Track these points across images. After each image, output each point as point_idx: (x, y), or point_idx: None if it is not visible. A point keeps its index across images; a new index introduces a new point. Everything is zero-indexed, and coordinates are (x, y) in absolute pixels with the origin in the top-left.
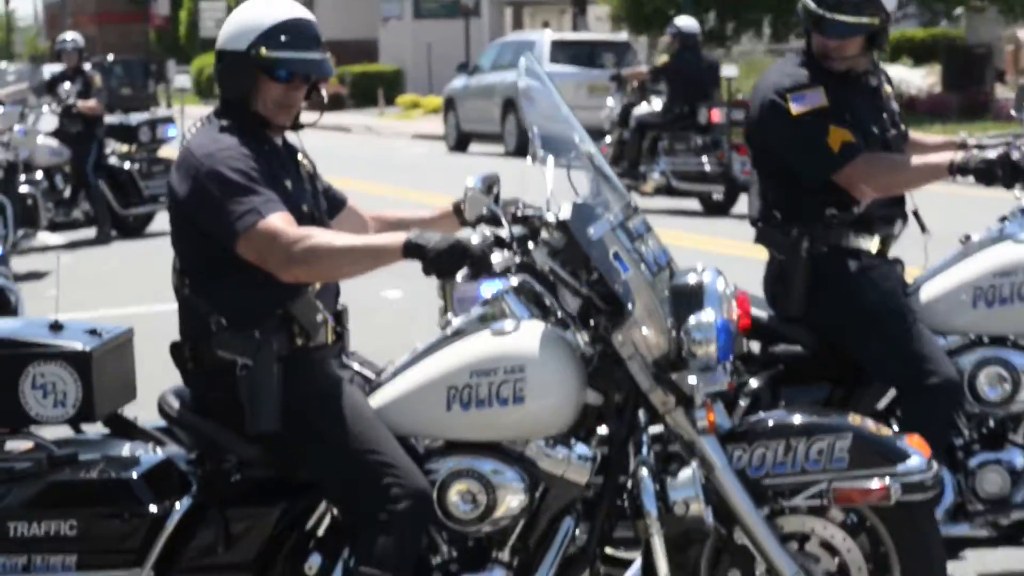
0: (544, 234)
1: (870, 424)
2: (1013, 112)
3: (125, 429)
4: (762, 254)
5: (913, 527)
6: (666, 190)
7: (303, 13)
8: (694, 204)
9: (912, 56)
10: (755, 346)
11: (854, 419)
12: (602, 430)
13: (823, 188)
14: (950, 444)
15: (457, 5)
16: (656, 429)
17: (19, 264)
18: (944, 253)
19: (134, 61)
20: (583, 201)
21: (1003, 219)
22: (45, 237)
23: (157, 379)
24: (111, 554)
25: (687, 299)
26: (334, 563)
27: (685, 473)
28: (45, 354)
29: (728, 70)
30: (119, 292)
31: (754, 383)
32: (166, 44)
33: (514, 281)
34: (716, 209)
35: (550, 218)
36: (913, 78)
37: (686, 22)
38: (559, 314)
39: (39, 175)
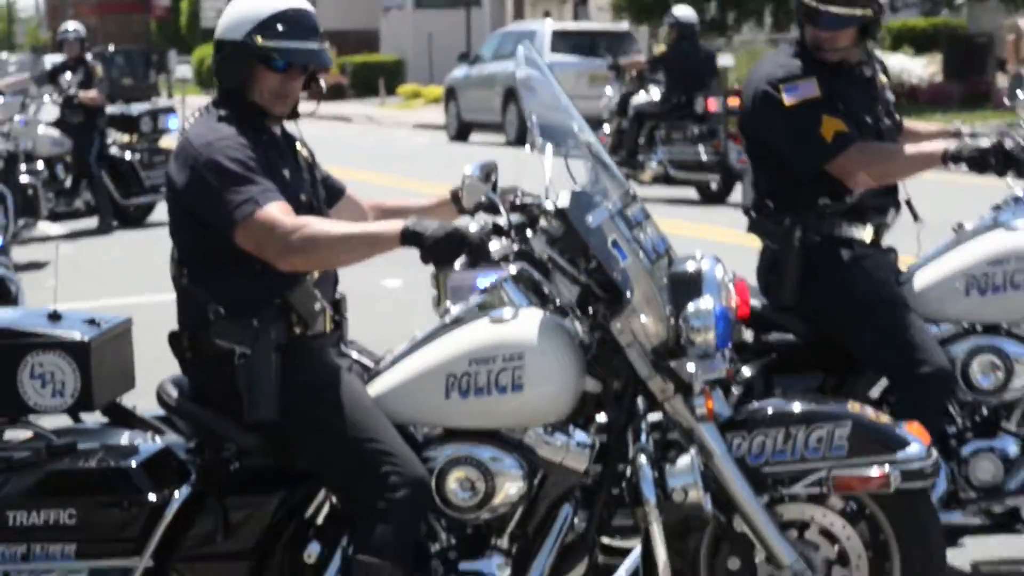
0: (543, 222)
1: (869, 412)
2: (1006, 101)
3: (124, 418)
4: (758, 243)
5: (913, 515)
6: (664, 179)
7: (301, 3)
8: (691, 193)
9: (913, 45)
10: (748, 334)
11: (853, 407)
12: (601, 418)
13: (816, 178)
14: (943, 432)
15: None
16: (655, 417)
17: (20, 254)
18: (937, 241)
19: (135, 51)
20: (582, 189)
21: (996, 207)
22: (45, 227)
23: (158, 368)
24: (110, 543)
25: (685, 287)
26: (333, 551)
27: (684, 460)
28: (44, 344)
29: (725, 59)
30: (120, 282)
31: (747, 371)
32: (167, 34)
33: (512, 269)
34: (713, 198)
35: (548, 206)
36: (914, 67)
37: (684, 12)
38: (558, 302)
39: (40, 165)
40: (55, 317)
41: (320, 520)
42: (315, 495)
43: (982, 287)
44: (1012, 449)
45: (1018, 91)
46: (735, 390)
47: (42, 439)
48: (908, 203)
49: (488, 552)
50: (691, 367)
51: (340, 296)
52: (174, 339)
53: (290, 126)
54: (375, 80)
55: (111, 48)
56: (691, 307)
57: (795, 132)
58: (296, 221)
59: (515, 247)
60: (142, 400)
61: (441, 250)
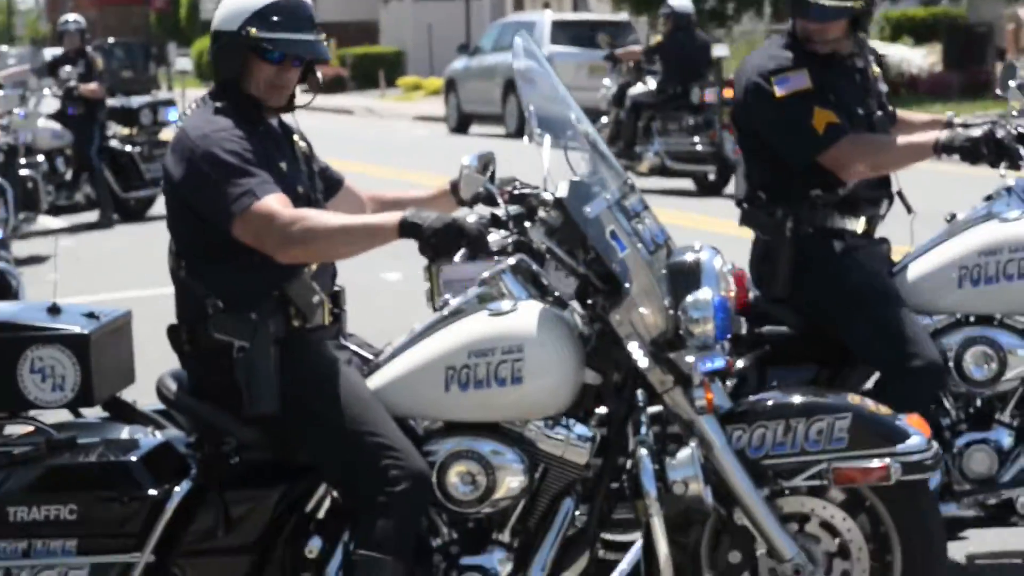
0: (541, 213)
1: (869, 404)
2: (998, 91)
3: (124, 413)
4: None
5: (913, 506)
6: (660, 170)
7: None
8: (688, 184)
9: (913, 35)
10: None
11: (854, 399)
12: (601, 410)
13: (808, 169)
14: (936, 425)
15: None
16: (655, 409)
17: (20, 248)
18: (931, 232)
19: (135, 44)
20: (580, 180)
21: (988, 198)
22: (46, 221)
23: (159, 363)
24: (111, 538)
25: (684, 278)
26: (334, 546)
27: (684, 453)
28: (43, 337)
29: (720, 50)
30: (121, 276)
31: (741, 364)
32: (167, 27)
33: (511, 260)
34: (710, 188)
35: (547, 197)
36: (914, 57)
37: (680, 2)
38: (557, 293)
39: (40, 158)
40: (55, 311)
41: (321, 514)
42: (316, 489)
43: (975, 278)
44: (1006, 441)
45: (1009, 81)
46: (729, 382)
47: (42, 434)
48: (900, 194)
49: (489, 546)
50: (690, 359)
51: (339, 289)
52: (173, 333)
53: (287, 118)
54: (375, 72)
55: (110, 41)
56: (690, 298)
57: (787, 124)
58: (295, 213)
59: (513, 238)
60: (143, 395)
61: (439, 241)
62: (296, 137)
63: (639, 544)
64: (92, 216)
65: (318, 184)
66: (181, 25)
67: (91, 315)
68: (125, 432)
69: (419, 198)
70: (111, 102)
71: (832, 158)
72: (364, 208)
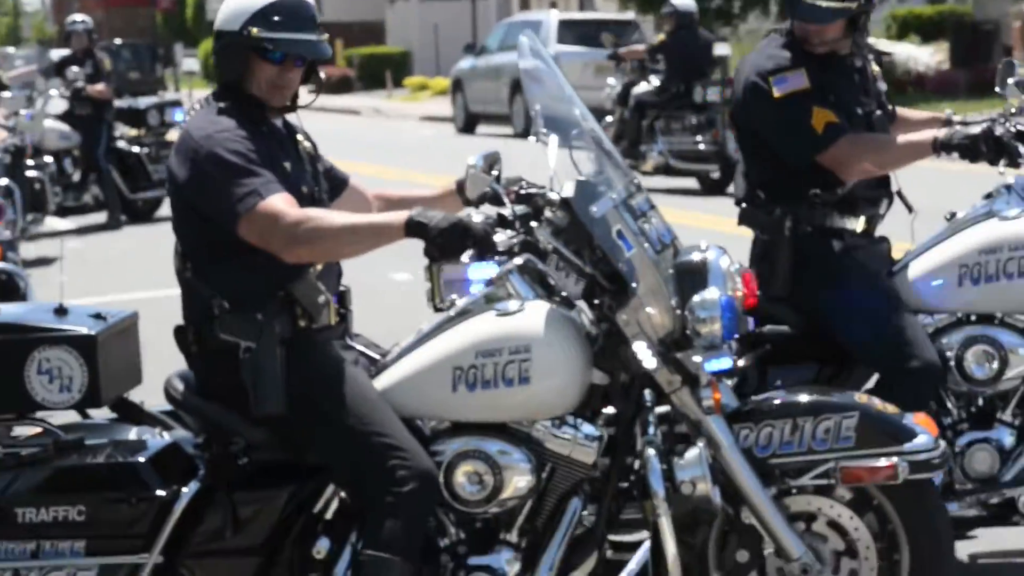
0: (547, 212)
1: (876, 403)
2: (997, 89)
3: (132, 413)
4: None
5: (921, 505)
6: (664, 169)
7: None
8: (692, 183)
9: (920, 33)
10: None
11: (861, 398)
12: (608, 410)
13: (807, 169)
14: (936, 425)
15: None
16: (663, 409)
17: (28, 250)
18: (931, 230)
19: (141, 45)
20: (586, 179)
21: (988, 196)
22: (53, 222)
23: (167, 363)
24: (119, 539)
25: (691, 277)
26: (342, 547)
27: (692, 453)
28: (50, 339)
29: (721, 48)
30: (129, 277)
31: (741, 363)
32: (173, 28)
33: (518, 260)
34: (714, 187)
35: (553, 196)
36: (921, 55)
37: (682, 0)
38: (564, 293)
39: (48, 159)
40: (61, 312)
41: (329, 515)
42: (324, 490)
43: (975, 277)
44: (1008, 440)
45: (1008, 78)
46: (729, 382)
47: (50, 435)
48: (900, 194)
49: (497, 546)
50: (697, 359)
51: (344, 289)
52: (179, 334)
53: (291, 117)
54: (382, 72)
55: (117, 42)
56: (697, 298)
57: (785, 124)
58: (300, 212)
59: (520, 238)
60: (151, 396)
61: (446, 241)
62: (300, 137)
63: (647, 545)
64: (100, 217)
65: (323, 184)
66: (188, 26)
67: (98, 316)
68: (133, 433)
69: (425, 197)
70: (118, 103)
71: (831, 158)
72: (370, 207)
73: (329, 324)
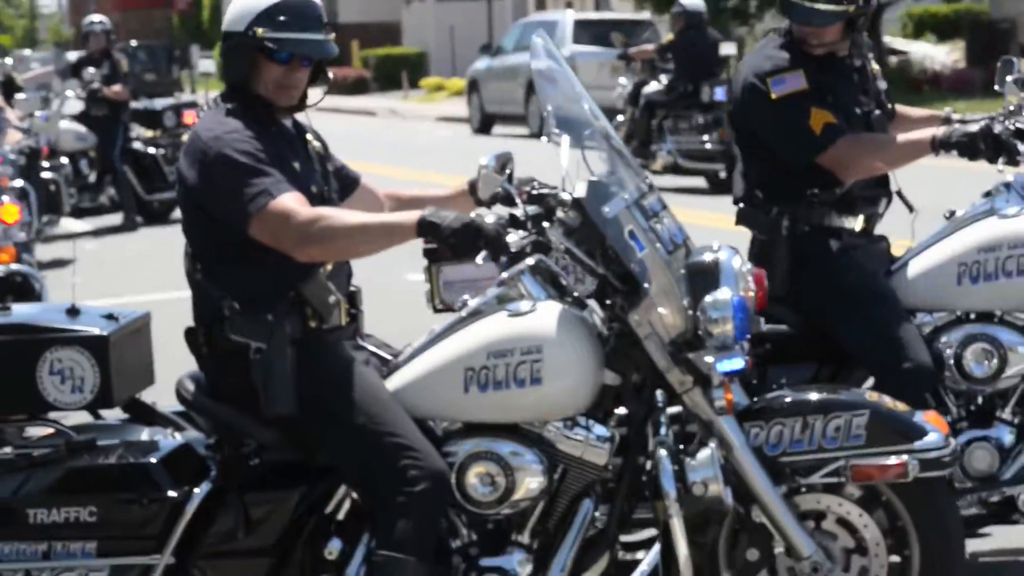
0: (559, 213)
1: (887, 401)
2: (996, 87)
3: (144, 414)
4: None
5: (931, 503)
6: (674, 168)
7: None
8: (701, 182)
9: (936, 32)
10: None
11: (871, 396)
12: (620, 411)
13: (806, 169)
14: None
15: None
16: (675, 409)
17: (43, 252)
18: (931, 228)
19: (158, 47)
20: (598, 179)
21: (987, 194)
22: (68, 224)
23: (181, 364)
24: (131, 540)
25: (703, 278)
26: (354, 548)
27: (704, 454)
28: (62, 339)
29: (727, 48)
30: (145, 278)
31: None
32: (189, 29)
33: (530, 261)
34: (722, 186)
35: (565, 196)
36: (937, 54)
37: (691, 0)
38: (576, 294)
39: (63, 160)
40: (73, 312)
41: (341, 516)
42: (335, 491)
43: (974, 275)
44: (1007, 438)
45: (1007, 76)
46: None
47: (62, 436)
48: (900, 194)
49: (509, 548)
50: (709, 359)
51: (355, 289)
52: (190, 335)
53: (301, 117)
54: (398, 73)
55: (133, 43)
56: (709, 298)
57: (784, 125)
58: (312, 212)
59: (532, 239)
60: (163, 396)
61: (458, 241)
62: (310, 137)
63: (658, 546)
64: (116, 219)
65: (333, 183)
66: (204, 27)
67: (110, 317)
68: (145, 434)
69: (437, 197)
70: (134, 105)
71: (830, 159)
72: (381, 207)
73: (340, 324)
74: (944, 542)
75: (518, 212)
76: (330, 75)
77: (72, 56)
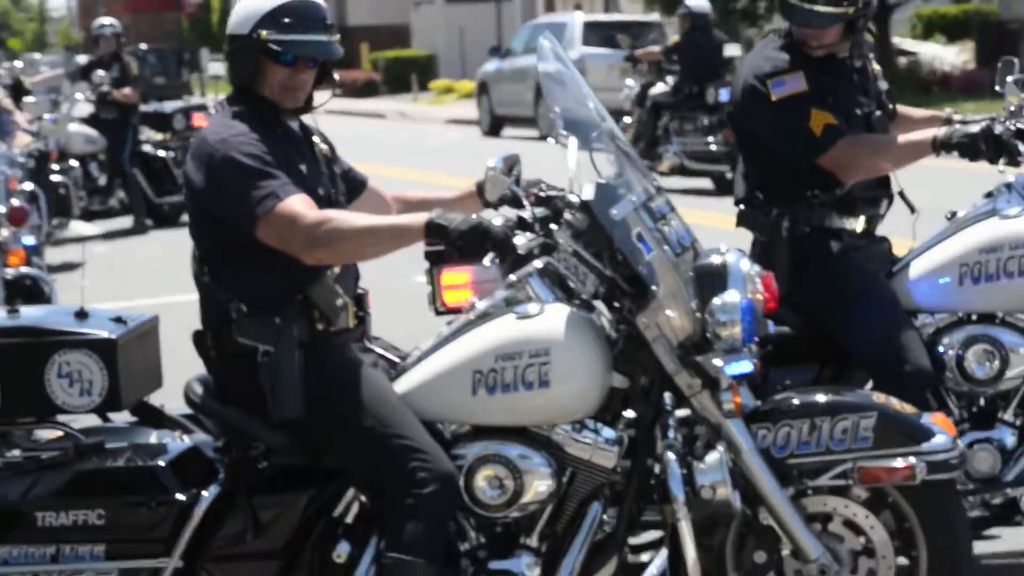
0: (567, 215)
1: (894, 403)
2: (996, 88)
3: (152, 417)
4: None
5: (938, 505)
6: (680, 170)
7: None
8: (707, 183)
9: (945, 33)
10: None
11: (878, 398)
12: (628, 413)
13: (806, 170)
14: None
15: None
16: (683, 412)
17: (53, 255)
18: (933, 228)
19: (167, 49)
20: (606, 182)
21: (988, 195)
22: (78, 227)
23: (189, 367)
24: (139, 543)
25: (711, 280)
26: (363, 550)
27: (712, 457)
28: (71, 342)
29: (732, 49)
30: (155, 281)
31: None
32: (199, 32)
33: (538, 263)
34: (728, 188)
35: (573, 199)
36: (946, 55)
37: (696, 2)
38: (584, 296)
39: (73, 163)
40: (82, 315)
41: (350, 519)
42: (344, 493)
43: (976, 276)
44: (1009, 440)
45: (1008, 77)
46: None
47: (70, 439)
48: (902, 195)
49: (517, 551)
50: (717, 362)
51: (363, 291)
52: (198, 338)
53: (307, 119)
54: (407, 76)
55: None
56: (717, 301)
57: (784, 127)
58: (320, 214)
59: (540, 241)
60: (172, 399)
61: (465, 243)
62: (316, 139)
63: (666, 548)
64: (126, 222)
65: (340, 186)
66: (213, 30)
67: (118, 320)
68: (153, 437)
69: (445, 199)
70: (144, 107)
71: (831, 160)
72: (389, 209)
73: (347, 327)
74: (952, 544)
75: (526, 214)
76: (336, 77)
77: (82, 59)
